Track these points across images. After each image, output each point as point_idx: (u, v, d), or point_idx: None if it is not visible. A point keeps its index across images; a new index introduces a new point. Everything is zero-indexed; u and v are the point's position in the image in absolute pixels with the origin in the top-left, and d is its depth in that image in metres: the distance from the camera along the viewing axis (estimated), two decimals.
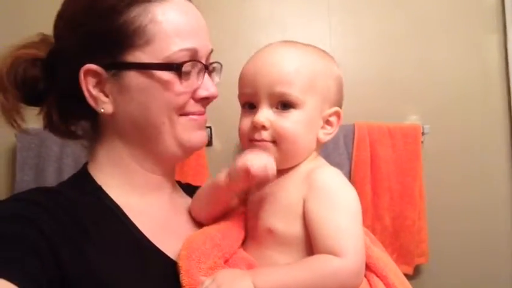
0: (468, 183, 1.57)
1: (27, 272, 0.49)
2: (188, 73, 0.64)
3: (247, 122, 0.65)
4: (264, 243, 0.65)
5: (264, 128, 0.63)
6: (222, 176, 0.65)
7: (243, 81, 0.67)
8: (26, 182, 1.39)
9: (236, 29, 1.52)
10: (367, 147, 1.40)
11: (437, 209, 1.52)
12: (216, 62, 0.72)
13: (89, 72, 0.64)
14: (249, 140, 0.65)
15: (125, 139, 0.68)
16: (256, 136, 0.64)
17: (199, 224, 0.71)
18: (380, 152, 1.43)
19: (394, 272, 0.64)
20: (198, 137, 0.68)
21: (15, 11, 1.45)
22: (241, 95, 0.67)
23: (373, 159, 1.41)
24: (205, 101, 0.67)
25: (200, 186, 0.81)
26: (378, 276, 0.62)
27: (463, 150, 1.57)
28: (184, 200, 0.76)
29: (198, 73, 0.66)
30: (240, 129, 0.67)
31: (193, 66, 0.65)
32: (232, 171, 0.63)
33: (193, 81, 0.65)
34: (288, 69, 0.63)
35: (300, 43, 0.68)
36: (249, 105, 0.66)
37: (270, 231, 0.63)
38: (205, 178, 1.42)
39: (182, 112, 0.65)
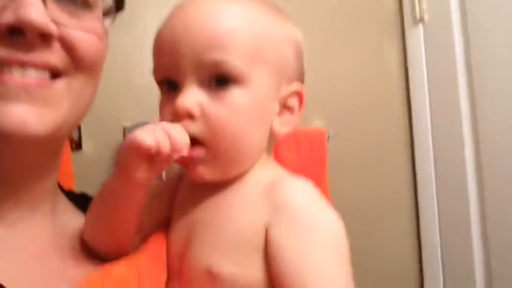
0: (369, 188, 1.53)
1: None
2: None
3: (168, 109, 0.47)
4: None
5: (191, 117, 0.44)
6: (112, 175, 0.47)
7: (158, 48, 0.48)
8: None
9: None
10: None
11: (342, 215, 1.44)
12: None
13: None
14: None
15: None
16: None
17: (98, 258, 0.50)
18: (285, 157, 1.28)
19: None
20: None
21: None
22: (156, 70, 0.49)
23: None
24: (20, 38, 0.42)
25: None
26: None
27: (365, 154, 1.53)
28: (76, 223, 0.54)
29: None
30: (160, 120, 0.48)
31: None
32: (120, 158, 0.45)
33: None
34: (223, 27, 0.45)
35: None
36: (170, 85, 0.48)
37: (211, 275, 0.43)
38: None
39: None
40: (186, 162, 0.46)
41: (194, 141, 0.45)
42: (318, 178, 1.32)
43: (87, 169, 1.18)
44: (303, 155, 1.33)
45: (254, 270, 0.43)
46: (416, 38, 1.50)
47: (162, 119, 0.48)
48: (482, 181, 1.28)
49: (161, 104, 0.49)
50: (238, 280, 0.43)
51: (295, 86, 0.49)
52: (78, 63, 0.47)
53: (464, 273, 1.32)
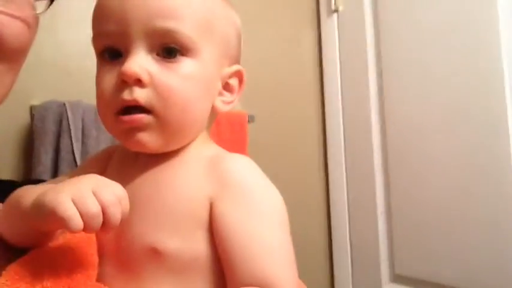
0: (285, 175, 1.53)
1: None
2: None
3: (110, 79, 0.44)
4: (145, 273, 0.42)
5: (139, 83, 0.42)
6: (26, 202, 0.40)
7: (102, 15, 0.45)
8: None
9: None
10: None
11: None
12: None
13: None
14: (115, 111, 0.44)
15: None
16: (126, 96, 0.42)
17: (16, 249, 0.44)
18: None
19: None
20: None
21: None
22: (99, 36, 0.46)
23: None
24: None
25: (16, 183, 0.54)
26: None
27: (280, 136, 1.57)
28: None
29: None
30: (99, 92, 0.45)
31: None
32: (36, 207, 0.38)
33: None
34: None
35: None
36: (112, 53, 0.45)
37: (155, 253, 0.42)
38: None
39: None
40: (130, 130, 0.44)
41: (141, 108, 0.43)
42: None
43: None
44: (224, 137, 1.33)
45: (199, 245, 0.42)
46: (331, 27, 1.58)
47: (101, 89, 0.44)
48: (386, 156, 1.40)
49: (100, 74, 0.45)
50: (183, 256, 0.42)
51: (236, 67, 0.50)
52: (0, 51, 0.43)
53: (371, 253, 1.43)
